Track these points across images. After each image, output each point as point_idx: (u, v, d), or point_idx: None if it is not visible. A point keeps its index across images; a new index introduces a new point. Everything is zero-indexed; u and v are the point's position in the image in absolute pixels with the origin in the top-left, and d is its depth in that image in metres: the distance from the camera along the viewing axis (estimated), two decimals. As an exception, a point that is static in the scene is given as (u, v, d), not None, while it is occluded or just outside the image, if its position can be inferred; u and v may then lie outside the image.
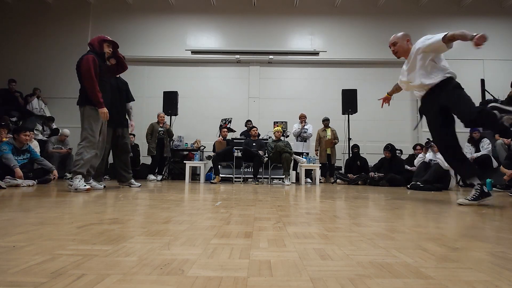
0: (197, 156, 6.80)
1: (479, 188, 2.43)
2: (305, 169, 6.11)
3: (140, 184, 4.24)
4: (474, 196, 2.43)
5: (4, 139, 4.55)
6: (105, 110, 3.32)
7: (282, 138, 6.49)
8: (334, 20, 8.60)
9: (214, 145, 6.50)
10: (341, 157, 7.37)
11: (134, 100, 4.40)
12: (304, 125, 6.91)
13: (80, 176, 3.13)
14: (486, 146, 5.63)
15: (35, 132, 6.45)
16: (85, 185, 3.11)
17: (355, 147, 6.74)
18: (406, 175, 5.71)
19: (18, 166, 4.10)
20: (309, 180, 6.57)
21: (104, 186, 3.69)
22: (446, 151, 2.60)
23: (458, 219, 1.69)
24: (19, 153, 4.37)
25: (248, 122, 7.58)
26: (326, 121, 7.21)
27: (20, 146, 4.37)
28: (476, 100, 7.75)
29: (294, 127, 7.07)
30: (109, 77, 3.63)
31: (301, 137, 6.93)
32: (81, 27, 8.41)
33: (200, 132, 8.03)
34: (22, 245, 0.93)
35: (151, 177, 6.43)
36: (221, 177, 6.13)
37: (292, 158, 5.97)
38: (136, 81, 8.37)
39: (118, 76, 4.15)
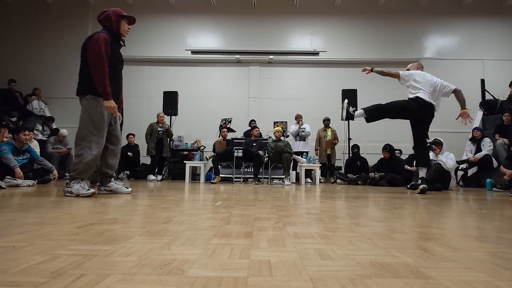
0: (197, 156, 6.80)
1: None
2: (305, 169, 6.11)
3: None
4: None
5: (4, 139, 4.56)
6: (112, 103, 2.69)
7: (282, 138, 6.49)
8: (334, 20, 8.60)
9: (214, 145, 6.50)
10: (341, 157, 7.37)
11: None
12: (301, 124, 6.93)
13: (79, 180, 2.62)
14: (487, 146, 5.64)
15: (35, 132, 6.45)
16: (88, 189, 2.59)
17: (355, 147, 6.74)
18: (406, 175, 5.71)
19: (18, 166, 4.10)
20: (309, 180, 6.57)
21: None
22: None
23: (458, 219, 1.69)
24: (19, 153, 4.37)
25: (252, 121, 7.55)
26: (326, 121, 7.21)
27: (20, 146, 4.38)
28: (476, 100, 7.82)
29: (291, 127, 7.08)
30: (121, 67, 3.01)
31: (300, 136, 6.94)
32: (81, 27, 8.40)
33: (200, 132, 8.03)
34: (22, 245, 0.93)
35: (151, 177, 6.43)
36: (221, 177, 6.13)
37: (292, 158, 5.98)
38: (136, 81, 8.39)
39: None
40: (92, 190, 2.61)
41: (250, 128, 7.43)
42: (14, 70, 8.09)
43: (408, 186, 4.80)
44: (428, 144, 5.03)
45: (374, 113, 3.63)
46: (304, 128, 6.92)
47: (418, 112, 3.61)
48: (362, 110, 3.62)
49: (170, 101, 7.10)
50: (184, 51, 8.51)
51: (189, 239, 1.05)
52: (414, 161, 5.77)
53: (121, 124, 4.02)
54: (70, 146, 6.51)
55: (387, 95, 8.35)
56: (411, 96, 3.64)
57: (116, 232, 1.14)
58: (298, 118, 6.98)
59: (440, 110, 8.92)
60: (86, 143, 2.64)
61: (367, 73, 3.80)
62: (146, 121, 7.07)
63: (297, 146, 6.87)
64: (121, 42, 2.95)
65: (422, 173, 3.73)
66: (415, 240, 1.10)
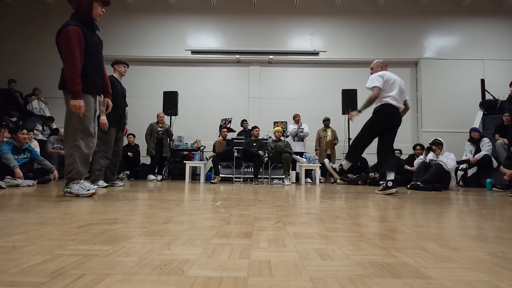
0: (197, 156, 6.80)
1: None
2: (305, 169, 6.11)
3: (122, 184, 4.47)
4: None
5: (4, 139, 4.56)
6: (79, 103, 2.48)
7: (282, 138, 6.49)
8: (334, 20, 8.60)
9: (214, 145, 6.50)
10: (341, 157, 7.36)
11: (127, 106, 4.50)
12: (301, 124, 6.90)
13: (77, 180, 2.59)
14: (486, 145, 5.64)
15: (35, 132, 6.45)
16: (88, 190, 2.58)
17: (355, 147, 6.72)
18: (406, 175, 5.71)
19: (18, 166, 4.10)
20: (309, 180, 6.57)
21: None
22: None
23: (458, 219, 1.69)
24: (19, 152, 4.38)
25: (244, 121, 7.59)
26: (326, 121, 7.21)
27: (20, 146, 4.39)
28: (476, 100, 7.81)
29: (289, 127, 7.04)
30: (101, 52, 2.80)
31: (298, 136, 6.92)
32: (81, 27, 8.40)
33: (200, 132, 8.03)
34: (22, 245, 0.93)
35: (151, 177, 6.43)
36: (221, 177, 6.13)
37: (292, 158, 5.97)
38: (136, 81, 8.39)
39: (120, 81, 4.28)
40: (92, 190, 2.59)
41: (242, 128, 7.46)
42: (14, 70, 8.09)
43: (408, 186, 4.81)
44: (429, 145, 5.05)
45: (357, 153, 3.76)
46: (303, 128, 6.91)
47: (387, 122, 3.54)
48: (345, 160, 3.71)
49: (170, 101, 7.10)
50: (184, 51, 8.51)
51: (189, 239, 1.05)
52: (414, 162, 5.79)
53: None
54: None
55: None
56: (379, 103, 3.52)
57: (116, 232, 1.14)
58: (297, 118, 6.95)
59: (440, 111, 8.95)
60: (74, 141, 2.58)
61: (354, 116, 3.61)
62: (146, 121, 7.07)
63: (294, 147, 6.82)
64: (95, 27, 2.68)
65: (391, 176, 3.61)
66: (415, 240, 1.10)
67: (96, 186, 3.26)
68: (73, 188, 2.54)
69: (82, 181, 2.61)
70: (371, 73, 3.71)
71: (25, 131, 4.45)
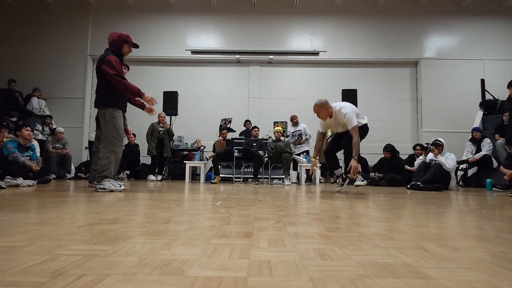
0: (197, 156, 6.80)
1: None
2: (305, 169, 6.10)
3: (124, 187, 4.56)
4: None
5: (5, 139, 4.58)
6: (149, 95, 3.23)
7: (282, 138, 6.48)
8: (334, 20, 8.60)
9: (214, 145, 6.50)
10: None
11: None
12: (298, 125, 6.83)
13: (108, 178, 3.10)
14: (487, 146, 5.64)
15: (35, 132, 6.45)
16: (120, 185, 3.15)
17: (355, 147, 6.71)
18: (406, 175, 5.71)
19: (26, 161, 4.24)
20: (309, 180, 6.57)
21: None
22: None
23: (458, 219, 1.69)
24: (23, 150, 4.46)
25: (247, 122, 7.58)
26: (326, 122, 7.18)
27: (25, 143, 4.47)
28: (476, 100, 7.80)
29: (288, 131, 6.89)
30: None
31: (305, 139, 6.81)
32: (80, 27, 8.41)
33: (200, 132, 8.03)
34: (22, 245, 0.93)
35: (151, 177, 6.43)
36: (221, 177, 6.13)
37: (292, 158, 5.98)
38: (136, 81, 8.29)
39: None
40: (123, 187, 3.15)
41: (245, 128, 7.44)
42: (14, 70, 8.08)
43: (408, 186, 4.81)
44: (427, 144, 5.06)
45: (333, 164, 4.25)
46: (303, 129, 6.83)
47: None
48: (339, 169, 4.16)
49: (170, 101, 7.10)
50: (184, 51, 8.51)
51: (189, 239, 1.05)
52: (415, 163, 5.78)
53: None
54: (67, 148, 6.60)
55: (387, 95, 8.39)
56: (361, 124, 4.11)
57: (116, 232, 1.14)
58: (295, 120, 6.87)
59: (440, 111, 8.90)
60: (112, 146, 3.14)
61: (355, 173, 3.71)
62: (146, 121, 7.06)
63: (303, 146, 6.72)
64: (122, 59, 3.38)
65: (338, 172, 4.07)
66: (415, 240, 1.10)
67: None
68: (106, 184, 3.04)
69: (109, 178, 3.12)
70: (321, 116, 4.08)
71: (28, 128, 4.54)
